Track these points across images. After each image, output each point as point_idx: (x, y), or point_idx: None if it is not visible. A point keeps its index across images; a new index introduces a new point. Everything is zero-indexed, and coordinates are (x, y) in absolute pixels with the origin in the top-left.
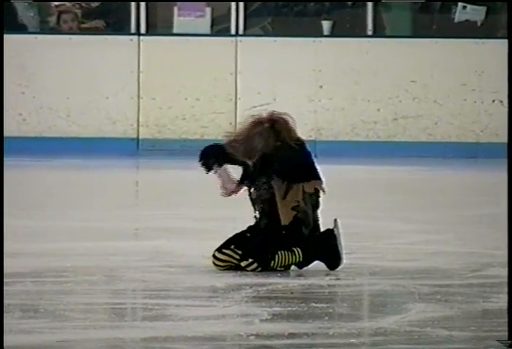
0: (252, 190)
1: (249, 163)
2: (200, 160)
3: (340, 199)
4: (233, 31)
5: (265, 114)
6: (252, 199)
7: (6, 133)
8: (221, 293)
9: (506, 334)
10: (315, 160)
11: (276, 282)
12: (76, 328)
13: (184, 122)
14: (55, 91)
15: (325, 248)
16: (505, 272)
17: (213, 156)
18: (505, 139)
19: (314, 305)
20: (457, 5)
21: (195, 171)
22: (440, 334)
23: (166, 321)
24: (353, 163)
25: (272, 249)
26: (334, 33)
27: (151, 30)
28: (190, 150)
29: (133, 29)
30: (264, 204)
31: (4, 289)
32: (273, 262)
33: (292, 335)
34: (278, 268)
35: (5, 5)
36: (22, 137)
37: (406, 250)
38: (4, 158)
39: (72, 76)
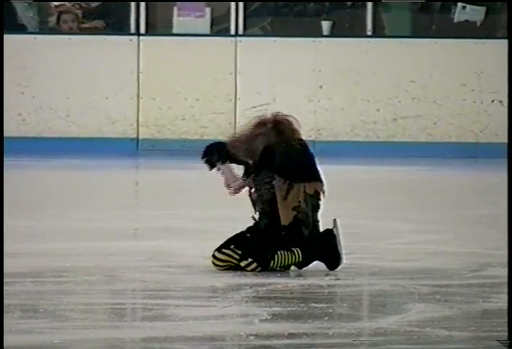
0: (253, 190)
1: (251, 162)
2: (203, 157)
3: (340, 199)
4: (232, 31)
5: (269, 115)
6: (252, 200)
7: (5, 133)
8: (221, 293)
9: (506, 334)
10: (317, 162)
11: (275, 282)
12: (75, 328)
13: (184, 122)
14: (55, 91)
15: (325, 248)
16: (504, 272)
17: (216, 153)
18: (504, 139)
19: (314, 305)
20: (456, 5)
21: (194, 171)
22: (440, 334)
23: (166, 321)
24: (353, 164)
25: (272, 249)
26: (333, 33)
27: (151, 31)
28: (190, 151)
29: (133, 29)
30: (264, 204)
31: (4, 289)
32: (272, 262)
33: (291, 335)
34: (278, 268)
35: (5, 5)
36: (21, 137)
37: (406, 250)
38: (4, 158)
39: (71, 76)
